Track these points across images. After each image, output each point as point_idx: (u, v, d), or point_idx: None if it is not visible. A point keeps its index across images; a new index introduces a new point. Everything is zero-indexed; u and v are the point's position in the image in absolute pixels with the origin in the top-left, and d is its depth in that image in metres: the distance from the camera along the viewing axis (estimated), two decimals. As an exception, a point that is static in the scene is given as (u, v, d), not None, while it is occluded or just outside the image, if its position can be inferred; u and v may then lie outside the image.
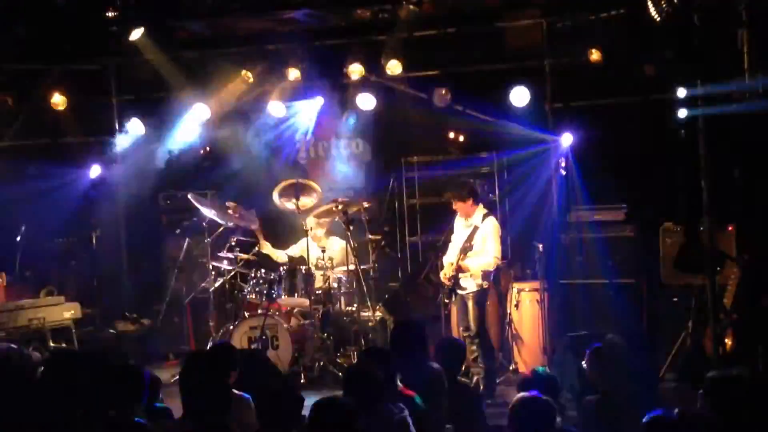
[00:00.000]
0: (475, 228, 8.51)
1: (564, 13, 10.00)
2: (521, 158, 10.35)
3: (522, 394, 4.73)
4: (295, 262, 9.93)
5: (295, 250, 10.08)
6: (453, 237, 8.84)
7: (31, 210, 10.68)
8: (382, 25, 10.33)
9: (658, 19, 7.53)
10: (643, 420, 4.38)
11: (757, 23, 7.53)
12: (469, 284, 8.54)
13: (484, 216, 8.62)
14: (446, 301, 8.67)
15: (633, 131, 9.61)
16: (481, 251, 8.49)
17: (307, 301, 9.54)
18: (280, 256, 10.08)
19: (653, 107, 9.55)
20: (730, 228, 8.24)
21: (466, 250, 8.45)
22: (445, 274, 8.59)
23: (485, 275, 8.54)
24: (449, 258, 8.68)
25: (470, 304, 8.53)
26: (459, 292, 8.57)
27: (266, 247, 10.06)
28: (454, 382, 6.39)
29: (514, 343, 9.41)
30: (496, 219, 8.90)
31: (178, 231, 10.69)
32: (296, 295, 9.60)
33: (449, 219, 8.95)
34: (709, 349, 7.57)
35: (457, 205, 8.70)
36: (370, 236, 9.89)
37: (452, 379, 6.35)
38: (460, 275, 8.50)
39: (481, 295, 8.56)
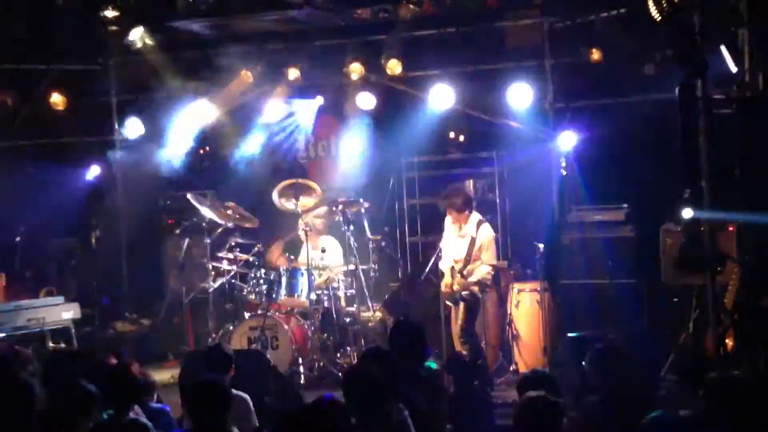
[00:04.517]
0: (472, 240, 8.57)
1: (564, 13, 9.99)
2: (521, 158, 10.35)
3: (529, 393, 4.71)
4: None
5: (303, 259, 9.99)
6: (446, 241, 8.88)
7: (30, 210, 10.67)
8: (382, 25, 10.32)
9: (658, 18, 7.51)
10: (643, 421, 4.37)
11: (757, 22, 7.52)
12: (463, 290, 8.65)
13: (479, 223, 8.64)
14: (449, 304, 8.74)
15: (633, 131, 9.60)
16: (478, 263, 8.58)
17: (307, 301, 9.53)
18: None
19: (653, 107, 9.54)
20: (730, 228, 8.22)
21: (467, 264, 8.54)
22: (446, 284, 8.65)
23: (481, 285, 8.65)
24: (446, 264, 8.73)
25: (461, 307, 8.63)
26: (454, 290, 8.68)
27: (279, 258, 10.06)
28: (471, 395, 6.35)
29: (514, 343, 9.40)
30: (496, 218, 8.90)
31: (178, 231, 10.69)
32: (296, 295, 9.59)
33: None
34: (709, 350, 7.54)
35: (452, 215, 8.77)
36: (370, 236, 9.88)
37: (468, 391, 6.31)
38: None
39: (472, 302, 8.64)
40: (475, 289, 8.66)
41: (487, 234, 8.66)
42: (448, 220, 8.89)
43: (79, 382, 5.05)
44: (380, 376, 5.11)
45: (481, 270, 8.64)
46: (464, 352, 8.41)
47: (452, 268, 8.68)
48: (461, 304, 8.63)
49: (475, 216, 8.75)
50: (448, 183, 9.92)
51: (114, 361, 6.16)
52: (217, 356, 6.18)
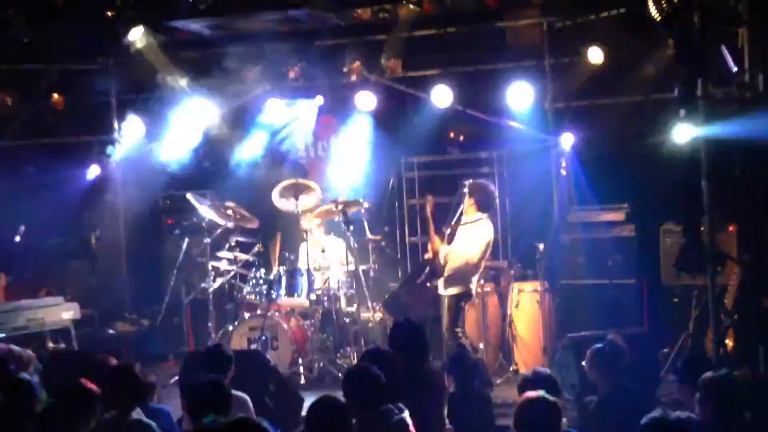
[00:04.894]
0: (466, 224, 8.53)
1: (564, 13, 9.99)
2: (521, 158, 10.35)
3: (528, 394, 4.71)
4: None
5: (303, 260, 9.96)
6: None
7: (30, 210, 10.67)
8: (382, 25, 10.32)
9: (659, 18, 7.51)
10: (642, 421, 4.37)
11: (757, 22, 7.51)
12: (445, 290, 8.54)
13: (480, 219, 8.60)
14: (421, 277, 8.69)
15: (633, 131, 9.60)
16: (458, 248, 8.50)
17: (307, 301, 9.53)
18: None
19: (653, 107, 9.54)
20: (730, 228, 8.22)
21: (445, 236, 8.48)
22: (433, 250, 8.62)
23: (458, 277, 8.50)
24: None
25: (444, 307, 8.51)
26: (440, 292, 8.59)
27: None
28: (471, 395, 6.33)
29: (514, 343, 9.40)
30: (496, 218, 8.87)
31: (178, 231, 10.69)
32: (296, 295, 9.59)
33: (449, 219, 8.93)
34: (709, 350, 7.55)
35: (466, 197, 8.66)
36: (370, 236, 9.88)
37: (468, 391, 6.30)
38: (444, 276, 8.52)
39: (454, 301, 8.50)
40: (449, 288, 8.52)
41: (480, 227, 8.56)
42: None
43: (82, 382, 5.06)
44: (380, 376, 5.12)
45: (457, 253, 8.49)
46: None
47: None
48: (445, 304, 8.50)
49: (481, 214, 8.66)
50: (448, 183, 9.93)
51: (114, 361, 6.14)
52: (217, 356, 6.18)
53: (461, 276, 8.55)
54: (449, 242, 8.51)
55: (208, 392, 5.15)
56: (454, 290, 8.52)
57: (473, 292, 8.77)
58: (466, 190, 8.59)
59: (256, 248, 9.95)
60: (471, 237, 8.52)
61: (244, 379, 6.21)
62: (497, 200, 9.55)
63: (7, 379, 5.65)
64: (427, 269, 9.05)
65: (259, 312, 9.44)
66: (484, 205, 8.67)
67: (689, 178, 7.52)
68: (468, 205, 8.63)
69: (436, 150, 11.04)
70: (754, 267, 7.48)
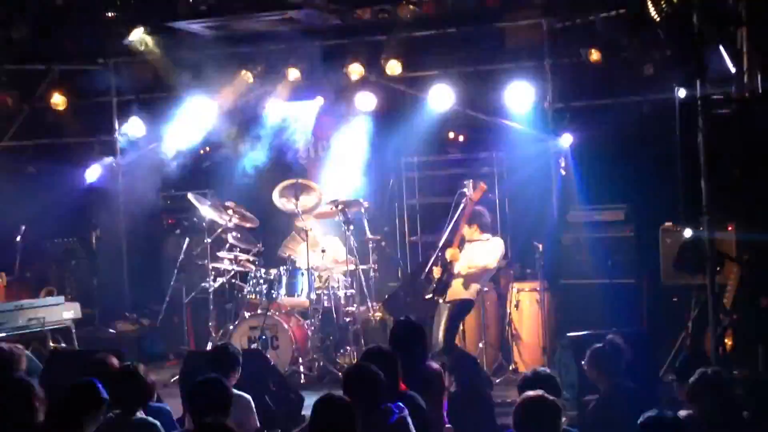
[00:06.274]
0: (478, 242, 8.49)
1: (564, 13, 9.99)
2: (521, 158, 10.36)
3: (528, 393, 4.72)
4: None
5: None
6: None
7: (31, 210, 10.68)
8: (382, 25, 10.33)
9: (658, 19, 7.52)
10: (639, 420, 4.38)
11: (756, 22, 7.52)
12: (451, 293, 8.38)
13: (489, 237, 8.58)
14: (427, 296, 8.41)
15: (632, 131, 9.61)
16: (474, 257, 8.45)
17: (307, 301, 9.54)
18: None
19: (652, 107, 9.55)
20: (729, 228, 8.22)
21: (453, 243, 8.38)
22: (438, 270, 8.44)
23: (468, 283, 8.42)
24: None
25: (445, 315, 8.30)
26: (440, 301, 8.40)
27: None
28: (471, 395, 6.31)
29: (514, 343, 9.42)
30: (496, 218, 8.88)
31: (178, 231, 10.71)
32: (296, 295, 9.60)
33: (448, 221, 8.93)
34: (709, 350, 7.56)
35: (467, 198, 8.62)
36: (370, 236, 9.89)
37: (468, 391, 6.29)
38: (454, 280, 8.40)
39: (459, 308, 8.38)
40: (459, 292, 8.42)
41: (491, 241, 8.54)
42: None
43: (92, 382, 5.06)
44: (380, 375, 5.12)
45: (477, 259, 8.44)
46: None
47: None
48: (447, 312, 8.34)
49: (487, 235, 8.61)
50: (448, 183, 9.92)
51: (115, 361, 6.15)
52: (223, 356, 6.18)
53: (470, 282, 8.45)
54: (460, 247, 8.45)
55: (209, 391, 5.16)
56: (461, 295, 8.40)
57: (474, 299, 8.64)
58: (466, 190, 8.57)
59: (256, 248, 9.96)
60: (486, 248, 8.48)
61: (244, 379, 6.22)
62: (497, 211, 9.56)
63: (6, 379, 5.65)
64: (429, 266, 8.97)
65: (259, 311, 9.45)
66: (486, 226, 8.62)
67: (689, 178, 7.52)
68: (472, 231, 8.56)
69: (436, 150, 11.05)
70: (753, 266, 7.48)
